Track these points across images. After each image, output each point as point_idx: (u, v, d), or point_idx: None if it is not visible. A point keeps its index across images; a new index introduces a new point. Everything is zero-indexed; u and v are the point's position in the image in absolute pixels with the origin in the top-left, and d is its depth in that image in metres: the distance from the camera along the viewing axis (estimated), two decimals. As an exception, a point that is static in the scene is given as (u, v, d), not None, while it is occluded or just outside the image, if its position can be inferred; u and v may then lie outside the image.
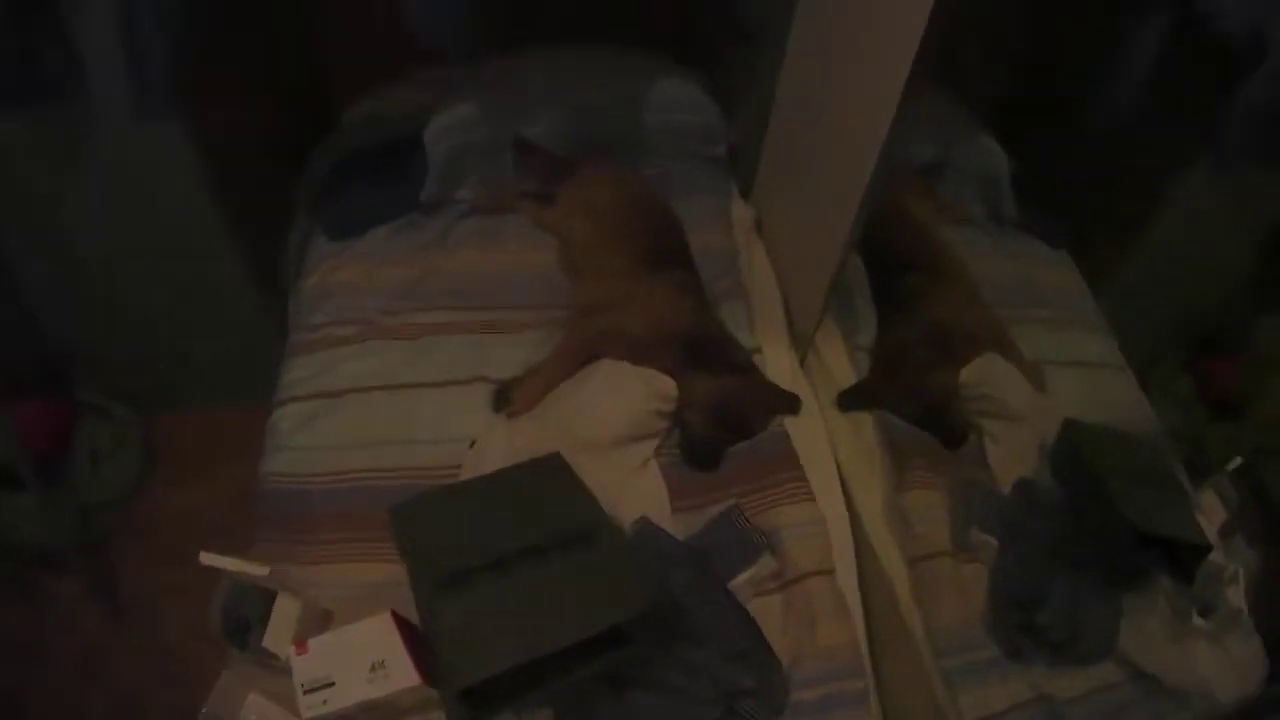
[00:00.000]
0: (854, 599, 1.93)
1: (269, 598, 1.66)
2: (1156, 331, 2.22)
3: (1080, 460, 1.92)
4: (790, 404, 2.30)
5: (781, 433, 2.19)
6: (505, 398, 2.20)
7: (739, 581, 1.95)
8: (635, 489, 2.07)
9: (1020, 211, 2.39)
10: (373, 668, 1.53)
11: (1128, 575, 1.75)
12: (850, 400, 2.31)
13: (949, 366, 2.17)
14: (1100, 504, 1.80)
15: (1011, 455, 2.08)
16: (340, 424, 2.13)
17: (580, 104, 2.65)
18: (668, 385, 2.16)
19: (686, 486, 2.07)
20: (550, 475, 1.88)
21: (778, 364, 2.35)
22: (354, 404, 2.17)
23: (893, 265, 2.36)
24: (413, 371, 2.30)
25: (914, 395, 2.19)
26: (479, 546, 1.65)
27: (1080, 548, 1.81)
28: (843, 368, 2.38)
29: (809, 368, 2.51)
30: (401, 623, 1.61)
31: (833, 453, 2.20)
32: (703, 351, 2.20)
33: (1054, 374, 2.14)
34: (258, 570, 1.64)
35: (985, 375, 2.15)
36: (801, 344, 2.50)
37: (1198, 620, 1.68)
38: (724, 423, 2.16)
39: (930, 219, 2.44)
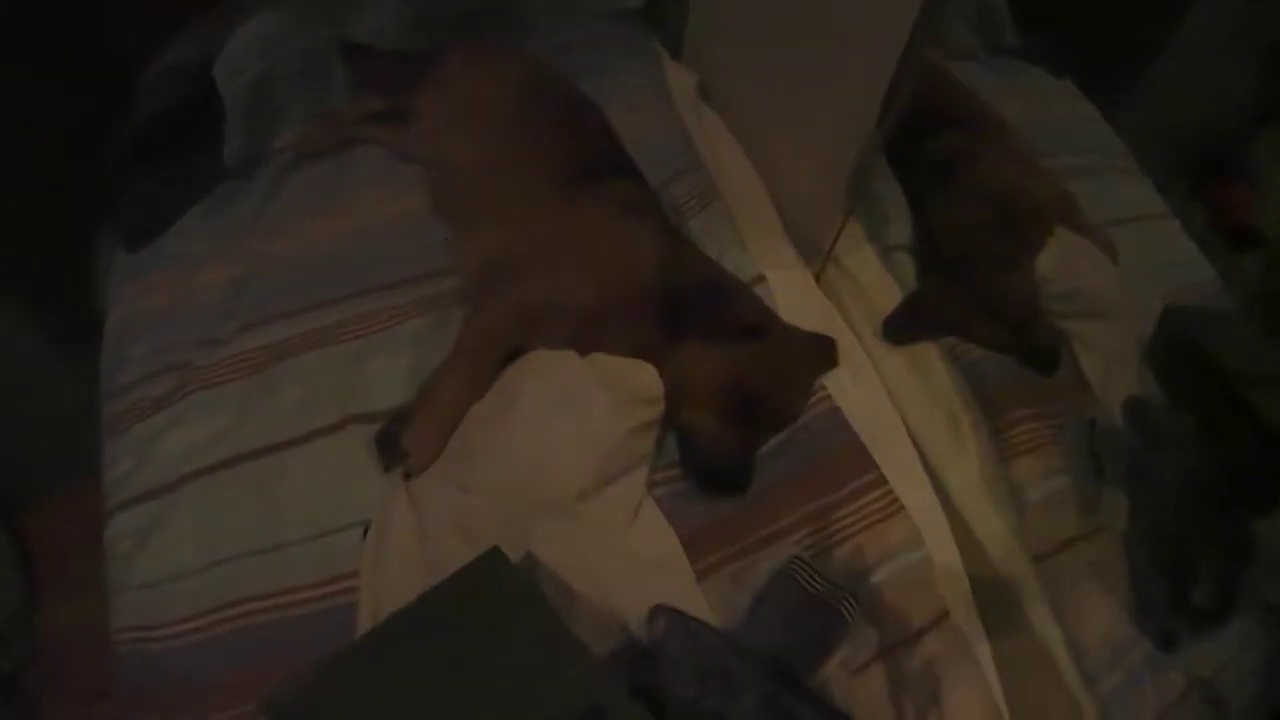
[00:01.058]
0: (982, 647, 1.35)
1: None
2: (1164, 160, 2.03)
3: (1193, 360, 1.66)
4: (824, 354, 1.56)
5: (829, 408, 1.53)
6: (394, 447, 1.38)
7: (824, 673, 1.25)
8: (631, 561, 1.30)
9: (1021, 38, 2.06)
10: None
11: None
12: (902, 326, 1.76)
13: (1024, 254, 1.73)
14: (1232, 418, 1.56)
15: (1110, 364, 1.72)
16: (182, 536, 1.39)
17: None
18: (646, 377, 1.37)
19: (708, 530, 1.39)
20: (497, 600, 1.09)
21: (787, 293, 1.67)
22: (193, 499, 1.42)
23: (920, 123, 1.72)
24: (258, 428, 1.48)
25: (988, 304, 1.72)
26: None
27: (1217, 482, 1.53)
28: (876, 279, 1.84)
29: (828, 287, 1.80)
30: None
31: (897, 411, 1.61)
32: (689, 307, 1.42)
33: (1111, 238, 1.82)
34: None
35: (1064, 261, 1.73)
36: (815, 256, 1.77)
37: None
38: (744, 414, 1.40)
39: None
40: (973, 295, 1.72)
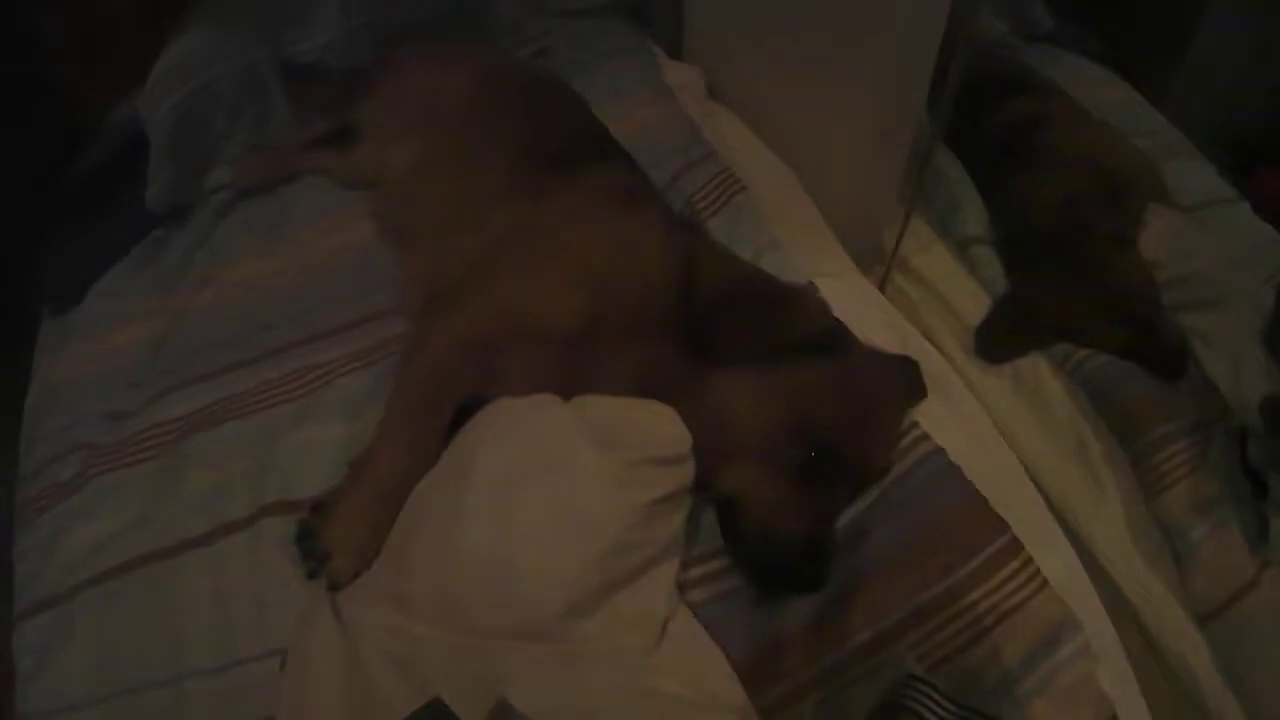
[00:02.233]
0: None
1: None
2: (1205, 146, 1.85)
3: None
4: (909, 380, 1.15)
5: (930, 450, 1.10)
6: (314, 546, 1.00)
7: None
8: (657, 704, 0.88)
9: (1055, 23, 1.92)
10: None
11: None
12: (998, 335, 1.48)
13: (1128, 233, 1.48)
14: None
15: (1237, 360, 1.43)
16: (79, 657, 1.05)
17: None
18: (663, 424, 0.96)
19: (773, 647, 0.97)
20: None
21: (845, 305, 1.20)
22: (91, 611, 1.08)
23: (973, 94, 1.51)
24: (162, 523, 1.12)
25: (1099, 292, 1.43)
26: None
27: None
28: (955, 281, 1.58)
29: (896, 298, 1.50)
30: None
31: (1009, 447, 1.22)
32: (722, 316, 1.03)
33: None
34: None
35: (1171, 240, 1.50)
36: (875, 263, 1.46)
37: None
38: (814, 468, 0.98)
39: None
40: (1079, 285, 1.43)
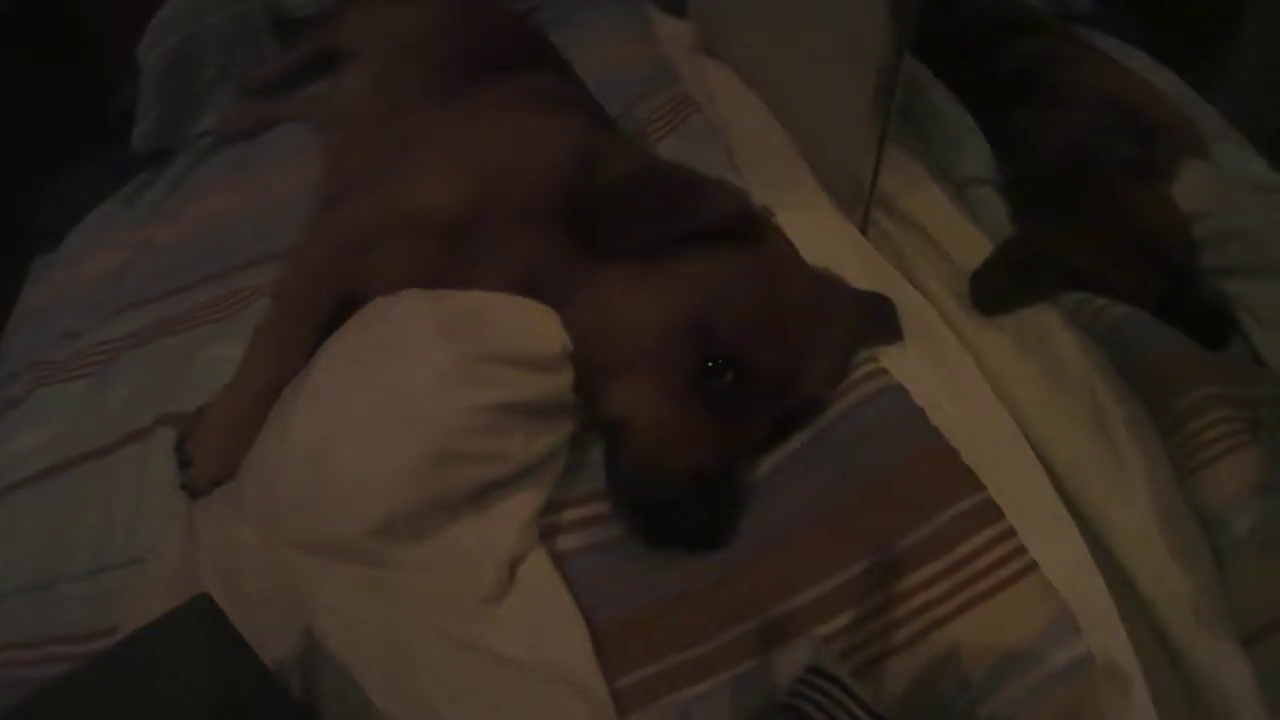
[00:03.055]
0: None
1: None
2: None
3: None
4: (876, 317, 0.97)
5: (887, 385, 0.88)
6: (186, 455, 0.94)
7: None
8: (488, 666, 0.73)
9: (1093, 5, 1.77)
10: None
11: None
12: (999, 282, 1.25)
13: (1156, 165, 1.28)
14: None
15: None
16: None
17: None
18: (534, 322, 0.85)
19: (650, 614, 0.78)
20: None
21: (809, 240, 0.99)
22: (5, 516, 1.06)
23: (982, 36, 1.49)
24: (81, 434, 1.11)
25: (1126, 228, 1.22)
26: None
27: None
28: (952, 225, 1.36)
29: (881, 243, 1.31)
30: None
31: (1008, 413, 1.01)
32: (620, 205, 0.87)
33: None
34: None
35: (1214, 192, 1.28)
36: (855, 200, 1.29)
37: None
38: (721, 383, 0.82)
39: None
40: (1095, 220, 1.21)
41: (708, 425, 0.80)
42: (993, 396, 1.03)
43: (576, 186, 0.88)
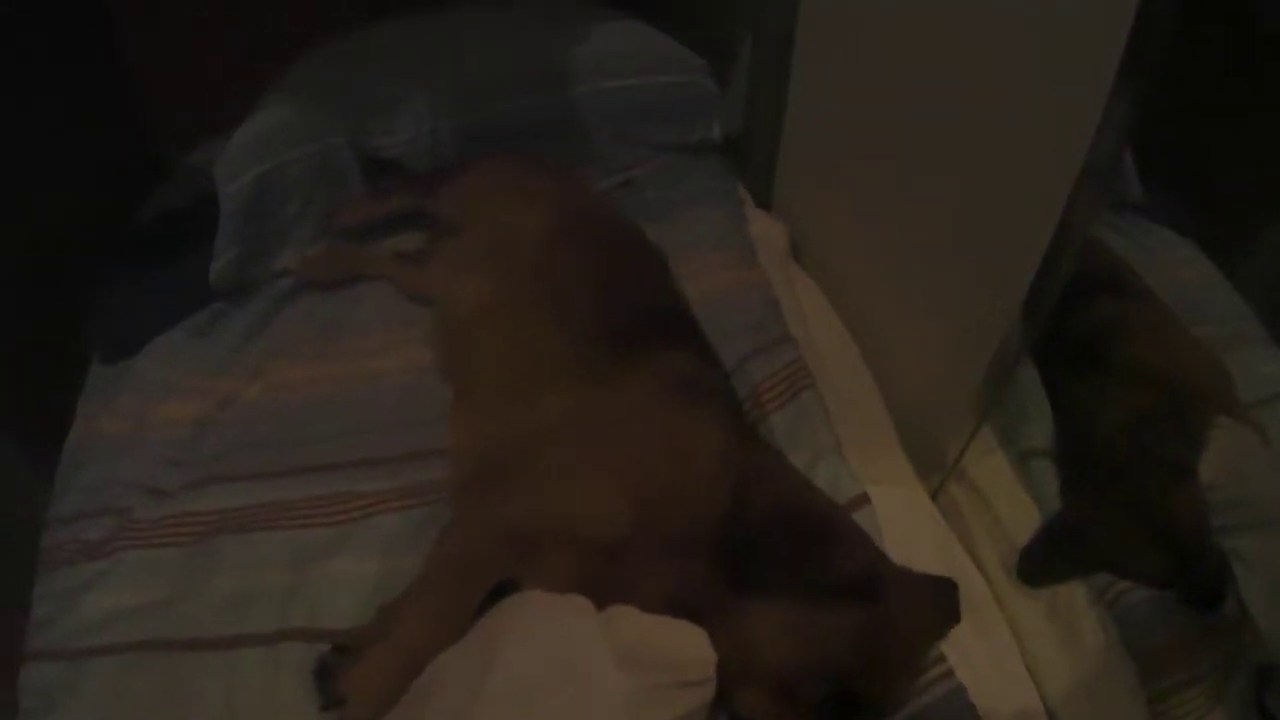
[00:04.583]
0: None
1: None
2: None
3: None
4: (945, 607, 1.18)
5: (952, 689, 1.13)
6: (332, 686, 1.11)
7: None
8: None
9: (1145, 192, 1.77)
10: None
11: None
12: (1044, 561, 1.45)
13: (1191, 460, 1.43)
14: None
15: (1272, 588, 1.36)
16: (85, 717, 1.19)
17: (468, 79, 1.78)
18: (690, 647, 1.04)
19: None
20: None
21: (896, 518, 1.30)
22: (104, 677, 1.21)
23: (1067, 290, 1.48)
24: (183, 615, 1.26)
25: (1153, 525, 1.40)
26: None
27: None
28: (1010, 497, 1.54)
29: (948, 507, 1.52)
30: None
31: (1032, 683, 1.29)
32: (766, 544, 1.09)
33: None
34: None
35: (1230, 461, 1.43)
36: (935, 467, 1.51)
37: None
38: (833, 708, 1.04)
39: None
40: (1135, 515, 1.41)
41: None
42: (1026, 677, 1.27)
43: (727, 514, 1.10)
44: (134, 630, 1.25)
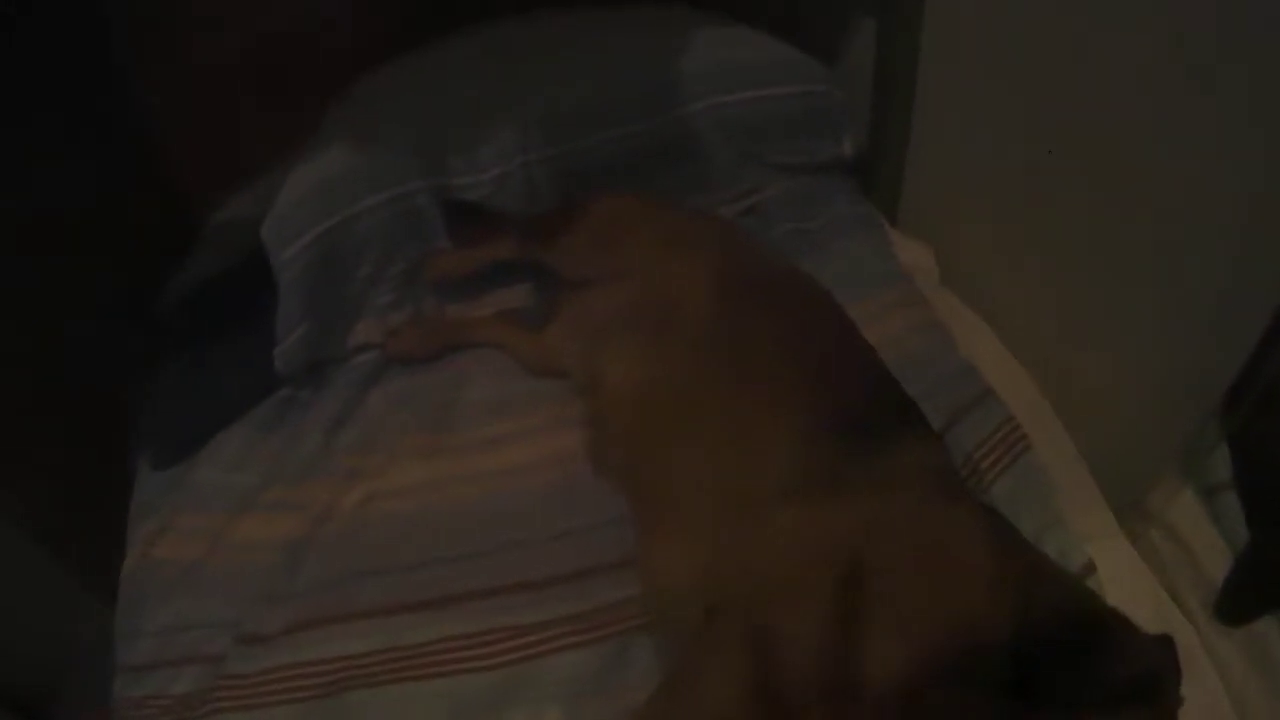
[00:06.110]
0: None
1: None
2: None
3: None
4: (1168, 663, 1.01)
5: None
6: None
7: None
8: None
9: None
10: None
11: None
12: (1239, 598, 1.40)
13: None
14: None
15: None
16: None
17: (562, 103, 1.56)
18: None
19: None
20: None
21: (1116, 578, 1.23)
22: None
23: None
24: None
25: None
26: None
27: None
28: (1202, 535, 1.48)
29: (1148, 551, 1.44)
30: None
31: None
32: (1051, 662, 0.92)
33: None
34: None
35: None
36: (1132, 514, 1.42)
37: None
38: None
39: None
40: None
41: None
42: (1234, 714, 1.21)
43: (1010, 634, 0.92)
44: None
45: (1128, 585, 1.23)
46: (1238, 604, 1.39)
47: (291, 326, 1.44)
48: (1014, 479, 1.27)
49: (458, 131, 1.55)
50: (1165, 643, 0.99)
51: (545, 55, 1.62)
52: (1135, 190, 1.26)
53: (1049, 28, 1.32)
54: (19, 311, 1.48)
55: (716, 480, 1.08)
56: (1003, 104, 1.45)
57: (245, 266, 1.52)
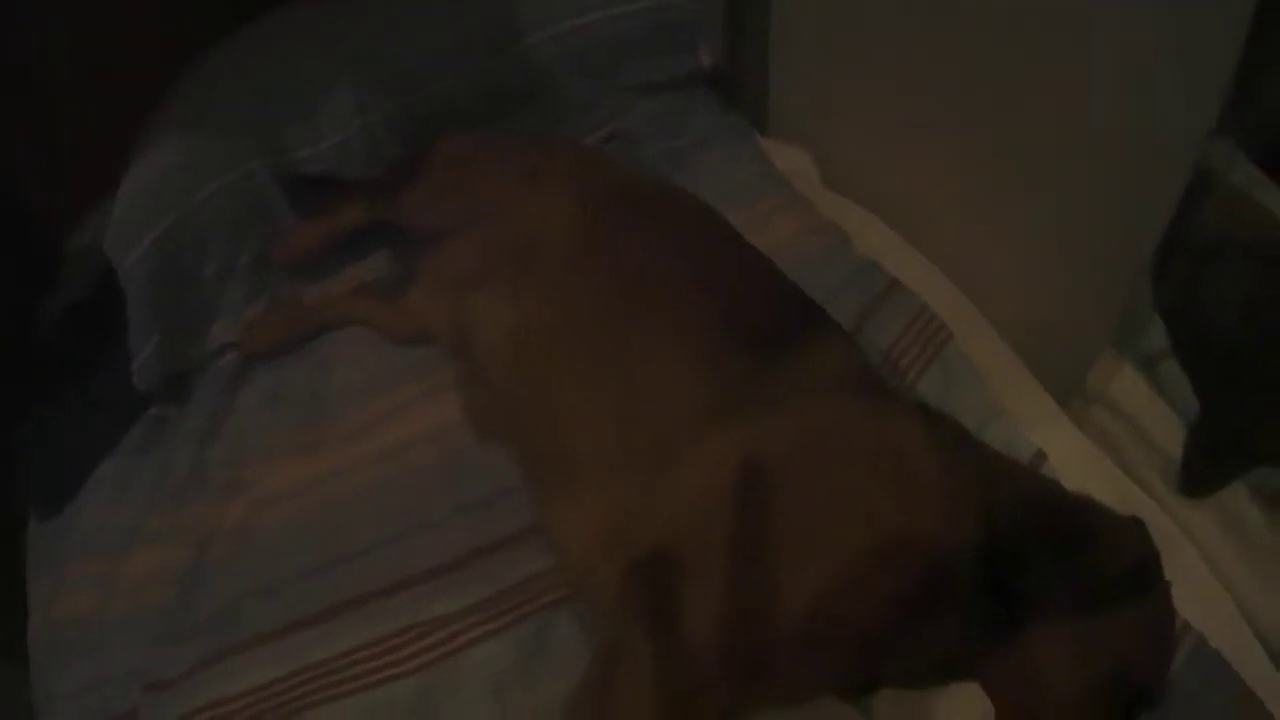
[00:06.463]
0: None
1: None
2: None
3: None
4: (1143, 544, 0.97)
5: (1196, 647, 1.10)
6: None
7: None
8: None
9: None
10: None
11: None
12: (1202, 468, 1.41)
13: None
14: None
15: None
16: None
17: (397, 54, 1.48)
18: None
19: None
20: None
21: (1069, 466, 1.21)
22: None
23: None
24: None
25: None
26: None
27: None
28: (1149, 408, 1.48)
29: (1096, 433, 1.42)
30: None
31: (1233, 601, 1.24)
32: (1031, 562, 0.87)
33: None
34: None
35: None
36: (1071, 395, 1.41)
37: None
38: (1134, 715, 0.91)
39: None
40: (1277, 396, 1.40)
41: None
42: (1224, 594, 1.21)
43: (975, 540, 0.86)
44: None
45: (1081, 469, 1.21)
46: (1199, 475, 1.39)
47: (144, 339, 1.34)
48: (940, 372, 1.23)
49: (290, 104, 1.44)
50: (1137, 525, 0.95)
51: (372, 13, 1.52)
52: (1016, 57, 1.21)
53: None
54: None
55: (614, 422, 0.99)
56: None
57: (103, 286, 1.40)
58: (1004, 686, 0.85)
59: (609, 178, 1.27)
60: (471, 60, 1.48)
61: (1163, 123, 1.11)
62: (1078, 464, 1.23)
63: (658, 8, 1.55)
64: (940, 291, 1.39)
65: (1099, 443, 1.37)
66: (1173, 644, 0.94)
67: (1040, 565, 0.86)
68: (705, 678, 0.83)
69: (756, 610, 0.83)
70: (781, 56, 1.64)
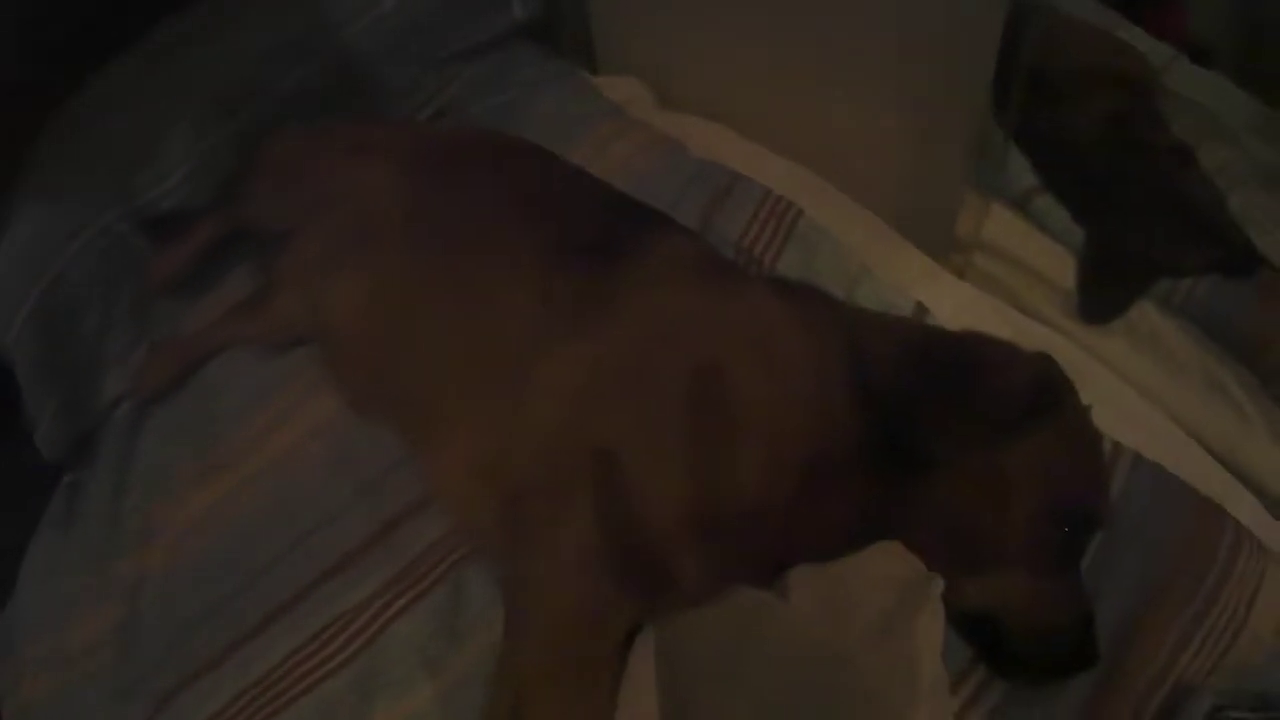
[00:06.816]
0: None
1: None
2: None
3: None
4: (1049, 382, 0.98)
5: (1133, 461, 1.12)
6: None
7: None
8: None
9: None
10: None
11: None
12: (1100, 292, 1.46)
13: (1184, 142, 1.59)
14: None
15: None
16: None
17: (223, 77, 1.53)
18: (895, 567, 0.88)
19: None
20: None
21: (958, 316, 1.23)
22: None
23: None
24: None
25: (1181, 210, 1.50)
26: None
27: None
28: (1031, 244, 1.53)
29: (983, 280, 1.47)
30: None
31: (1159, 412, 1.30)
32: (923, 409, 0.89)
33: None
34: None
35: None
36: (947, 248, 1.46)
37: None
38: (1063, 544, 0.91)
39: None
40: (1159, 214, 1.47)
41: (1072, 582, 0.91)
42: (1150, 407, 1.27)
43: (859, 398, 0.89)
44: None
45: (971, 316, 1.24)
46: (1101, 301, 1.44)
47: (41, 408, 1.37)
48: (797, 250, 1.26)
49: (134, 151, 1.48)
50: (1045, 360, 0.98)
51: (195, 44, 1.56)
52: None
53: None
54: None
55: (469, 360, 1.04)
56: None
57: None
58: (925, 535, 0.87)
59: (433, 138, 1.34)
60: (292, 65, 1.51)
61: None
62: (966, 312, 1.26)
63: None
64: (787, 175, 1.42)
65: (988, 288, 1.39)
66: (1099, 463, 0.98)
67: (933, 406, 0.88)
68: (603, 593, 0.87)
69: (636, 514, 0.87)
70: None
